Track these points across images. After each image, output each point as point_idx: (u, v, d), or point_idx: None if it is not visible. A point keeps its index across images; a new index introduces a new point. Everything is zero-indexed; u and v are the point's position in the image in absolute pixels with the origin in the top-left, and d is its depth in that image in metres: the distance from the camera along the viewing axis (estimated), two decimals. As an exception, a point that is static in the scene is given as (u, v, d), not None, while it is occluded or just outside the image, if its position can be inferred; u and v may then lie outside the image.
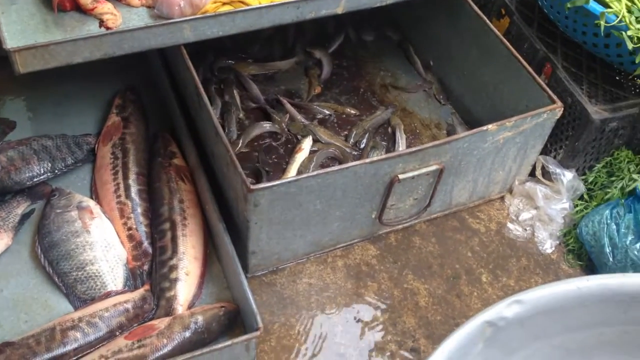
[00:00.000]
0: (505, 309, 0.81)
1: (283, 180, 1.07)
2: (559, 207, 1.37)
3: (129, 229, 1.20)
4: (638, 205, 1.29)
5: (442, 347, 0.83)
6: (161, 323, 1.07)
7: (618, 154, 1.37)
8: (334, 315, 1.22)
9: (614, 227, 1.27)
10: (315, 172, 1.10)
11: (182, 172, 1.28)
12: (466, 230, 1.39)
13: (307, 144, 1.43)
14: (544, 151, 1.40)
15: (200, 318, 1.08)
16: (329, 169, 1.11)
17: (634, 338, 0.84)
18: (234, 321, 1.13)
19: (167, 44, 1.18)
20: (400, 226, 1.35)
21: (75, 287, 1.13)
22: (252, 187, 1.04)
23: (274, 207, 1.10)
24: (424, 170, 1.20)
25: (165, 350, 1.03)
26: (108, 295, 1.12)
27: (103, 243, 1.16)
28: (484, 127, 1.22)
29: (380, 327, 1.21)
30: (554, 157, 1.39)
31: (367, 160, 1.13)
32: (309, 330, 1.19)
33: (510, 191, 1.45)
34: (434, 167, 1.21)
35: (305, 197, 1.12)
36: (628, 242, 1.23)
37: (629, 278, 0.79)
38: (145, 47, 1.16)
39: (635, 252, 1.21)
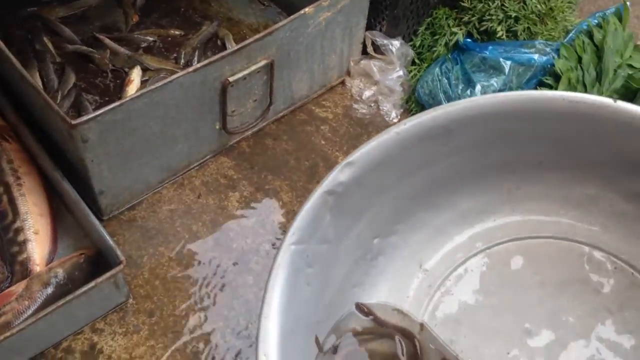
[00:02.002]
0: (339, 174, 0.82)
1: (106, 108, 1.01)
2: (395, 76, 1.40)
3: (-41, 204, 1.10)
4: (462, 56, 1.34)
5: (290, 230, 0.83)
6: (18, 287, 1.00)
7: (436, 13, 1.40)
8: (203, 233, 1.19)
9: (446, 81, 1.32)
10: (138, 92, 1.04)
11: (4, 132, 1.18)
12: (315, 121, 1.39)
13: (136, 75, 1.36)
14: (369, 26, 1.40)
15: (59, 271, 1.02)
16: (152, 87, 1.05)
17: (462, 167, 0.88)
18: (99, 265, 1.08)
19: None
20: (249, 132, 1.33)
21: None
22: (73, 122, 0.98)
23: (105, 139, 1.04)
24: (253, 67, 1.18)
25: (30, 311, 0.97)
26: (-46, 275, 1.03)
27: None
28: (302, 12, 1.20)
29: (250, 231, 1.20)
30: (380, 30, 1.40)
31: (190, 69, 1.08)
32: (180, 254, 1.16)
33: (349, 73, 1.46)
34: (262, 63, 1.19)
35: (137, 122, 1.07)
36: (459, 91, 1.28)
37: (439, 110, 0.81)
38: None
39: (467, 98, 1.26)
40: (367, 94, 1.44)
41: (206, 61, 1.10)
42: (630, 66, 1.27)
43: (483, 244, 0.95)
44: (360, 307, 0.95)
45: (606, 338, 0.88)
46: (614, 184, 0.87)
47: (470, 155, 0.87)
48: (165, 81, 1.06)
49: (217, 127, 1.23)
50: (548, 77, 1.27)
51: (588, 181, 0.89)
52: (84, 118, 0.99)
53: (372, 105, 1.43)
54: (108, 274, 0.98)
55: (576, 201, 0.91)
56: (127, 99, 1.03)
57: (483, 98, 0.81)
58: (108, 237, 1.03)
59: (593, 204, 0.90)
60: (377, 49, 1.42)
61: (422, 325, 0.94)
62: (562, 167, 0.88)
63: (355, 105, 1.43)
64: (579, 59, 1.28)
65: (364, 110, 1.42)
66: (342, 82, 1.46)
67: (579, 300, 0.90)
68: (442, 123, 0.81)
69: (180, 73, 1.07)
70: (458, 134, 0.82)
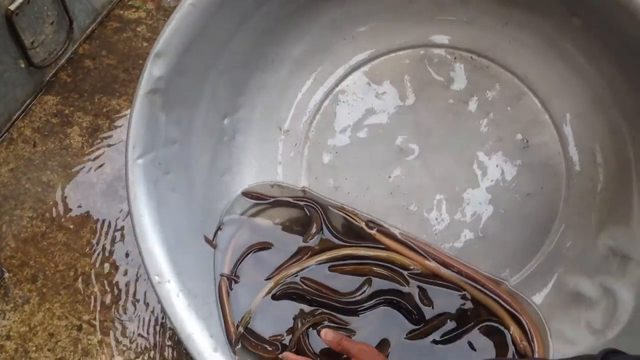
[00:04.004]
0: (153, 69, 0.72)
1: None
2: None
3: None
4: None
5: (130, 145, 0.75)
6: None
7: None
8: (56, 180, 1.07)
9: None
10: None
11: None
12: (129, 25, 1.25)
13: None
14: None
15: None
16: None
17: (277, 13, 0.80)
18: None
19: None
20: (62, 60, 1.18)
21: None
22: None
23: None
24: (31, -13, 1.01)
25: None
26: None
27: None
28: None
29: (106, 159, 1.09)
30: None
31: (-45, 11, 0.91)
32: (41, 210, 1.04)
33: (145, -38, 1.30)
34: (39, -21, 1.02)
35: None
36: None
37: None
38: None
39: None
40: (171, -23, 1.30)
41: (-29, -3, 0.92)
42: None
43: (330, 84, 0.90)
44: (247, 194, 0.90)
45: (469, 126, 0.87)
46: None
47: (280, -3, 0.79)
48: None
49: (23, 65, 1.08)
50: None
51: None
52: None
53: (182, -13, 1.30)
54: (-37, 260, 0.86)
55: (398, 6, 0.85)
56: None
57: None
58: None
59: (415, 3, 0.85)
60: None
61: (304, 191, 0.90)
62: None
63: (166, -5, 1.29)
64: None
65: (176, -4, 1.29)
66: (141, -25, 1.31)
67: (434, 102, 0.88)
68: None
69: (-54, 20, 0.90)
70: (256, -22, 0.74)
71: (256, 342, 0.79)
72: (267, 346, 0.79)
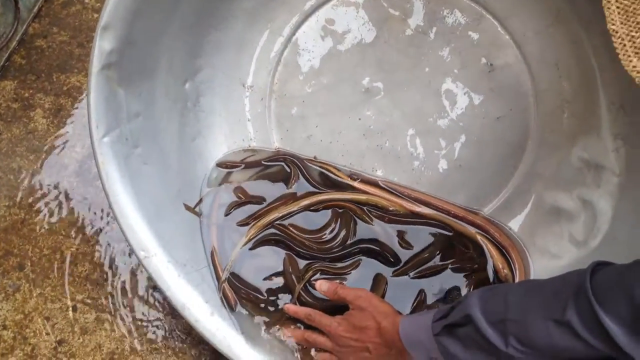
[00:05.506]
0: (103, 44, 0.68)
1: None
2: None
3: None
4: None
5: (92, 125, 0.72)
6: None
7: None
8: (28, 166, 1.03)
9: None
10: None
11: None
12: (76, -3, 1.19)
13: None
14: None
15: None
16: None
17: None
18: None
19: None
20: (13, 43, 1.11)
21: None
22: None
23: None
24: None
25: None
26: None
27: None
28: None
29: (75, 138, 1.05)
30: None
31: None
32: (17, 197, 1.01)
33: None
34: (-29, -38, 0.95)
35: None
36: None
37: None
38: None
39: None
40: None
41: None
42: None
43: (287, 33, 0.86)
44: (222, 164, 0.87)
45: (432, 56, 0.84)
46: None
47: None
48: None
49: (-28, 54, 1.02)
50: None
51: None
52: None
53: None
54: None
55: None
56: None
57: None
58: None
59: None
60: None
61: (278, 151, 0.88)
62: None
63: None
64: None
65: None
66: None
67: (394, 37, 0.85)
68: None
69: None
70: None
71: (246, 290, 0.78)
72: (259, 295, 0.78)
